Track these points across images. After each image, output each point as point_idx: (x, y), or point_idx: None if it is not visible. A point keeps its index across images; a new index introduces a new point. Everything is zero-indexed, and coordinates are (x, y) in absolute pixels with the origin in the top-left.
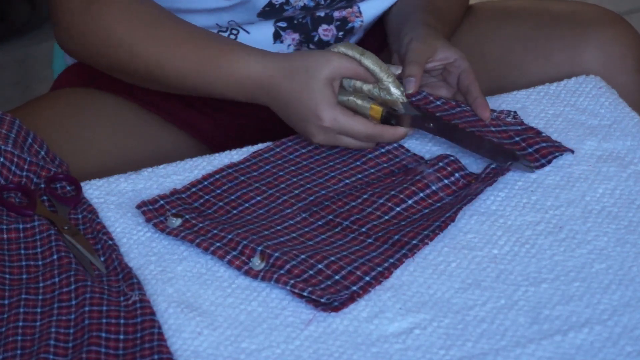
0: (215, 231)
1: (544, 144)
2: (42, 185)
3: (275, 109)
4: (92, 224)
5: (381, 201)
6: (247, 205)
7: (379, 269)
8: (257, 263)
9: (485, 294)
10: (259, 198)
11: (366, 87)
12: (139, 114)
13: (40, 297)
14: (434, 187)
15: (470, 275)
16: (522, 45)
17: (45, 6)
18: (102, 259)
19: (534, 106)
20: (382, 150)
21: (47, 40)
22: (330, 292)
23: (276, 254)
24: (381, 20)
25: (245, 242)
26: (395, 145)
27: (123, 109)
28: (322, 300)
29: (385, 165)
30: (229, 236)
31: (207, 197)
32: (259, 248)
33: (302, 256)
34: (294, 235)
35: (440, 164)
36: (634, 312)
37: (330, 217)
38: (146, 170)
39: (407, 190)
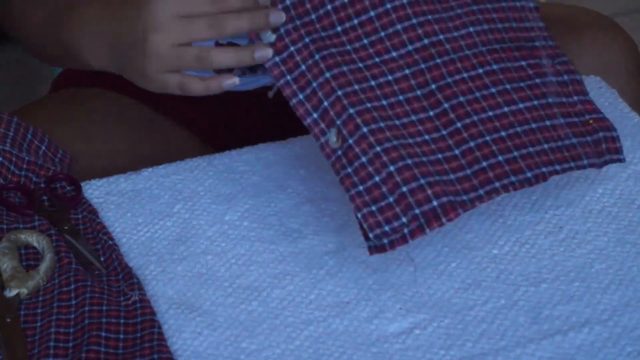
0: (304, 68)
1: (600, 134)
2: (42, 185)
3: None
4: (92, 224)
5: (493, 90)
6: (348, 47)
7: (449, 199)
8: (333, 140)
9: (485, 294)
10: (364, 41)
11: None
12: (142, 111)
13: (40, 299)
14: (550, 100)
15: (470, 275)
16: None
17: None
18: (102, 259)
19: None
20: (512, 4)
21: None
22: (386, 217)
23: (350, 141)
24: None
25: (326, 104)
26: (532, 4)
27: (126, 108)
28: (371, 235)
29: (514, 24)
30: (314, 84)
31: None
32: (338, 121)
33: (377, 148)
34: (384, 103)
35: (566, 78)
36: (634, 312)
37: (432, 86)
38: (146, 170)
39: (521, 92)
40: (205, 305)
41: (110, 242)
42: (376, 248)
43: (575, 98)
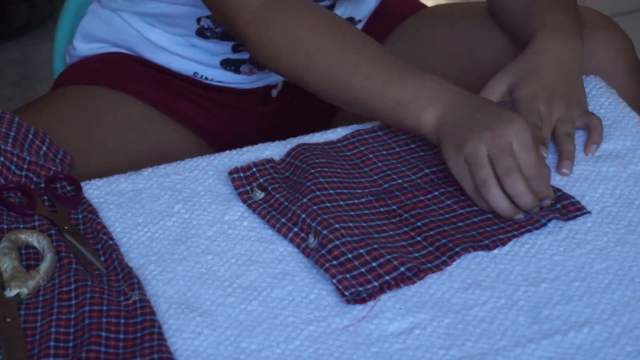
0: (286, 203)
1: (558, 205)
2: (42, 185)
3: (453, 111)
4: (92, 224)
5: (448, 202)
6: (321, 179)
7: (416, 265)
8: (311, 240)
9: (485, 294)
10: (335, 179)
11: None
12: (143, 110)
13: (40, 299)
14: None
15: (470, 275)
16: (514, 48)
17: (44, 6)
18: (102, 259)
19: None
20: None
21: (47, 40)
22: (359, 282)
23: (324, 232)
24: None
25: (303, 216)
26: None
27: (127, 107)
28: (346, 293)
29: None
30: (293, 208)
31: (296, 162)
32: (313, 224)
33: (348, 238)
34: (352, 213)
35: None
36: (634, 312)
37: (394, 207)
38: (146, 170)
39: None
40: (205, 305)
41: (110, 242)
42: (355, 300)
43: None
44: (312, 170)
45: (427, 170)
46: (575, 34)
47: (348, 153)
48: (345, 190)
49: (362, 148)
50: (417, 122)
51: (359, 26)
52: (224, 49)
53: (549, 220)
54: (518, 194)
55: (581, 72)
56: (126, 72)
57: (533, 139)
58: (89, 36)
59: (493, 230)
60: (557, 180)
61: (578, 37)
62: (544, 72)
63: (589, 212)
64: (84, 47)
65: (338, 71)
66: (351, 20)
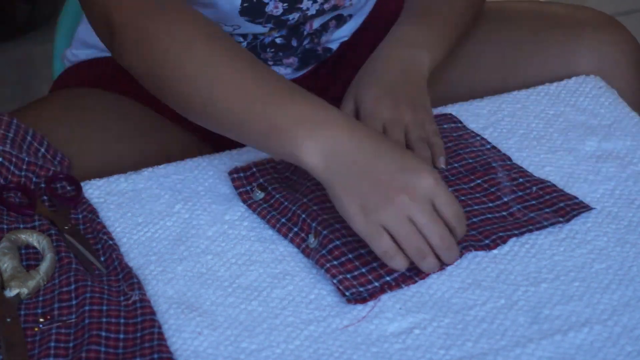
0: (286, 203)
1: (562, 204)
2: (43, 185)
3: (343, 149)
4: (92, 224)
5: None
6: None
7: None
8: (311, 240)
9: (485, 293)
10: None
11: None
12: (142, 112)
13: (40, 299)
14: (505, 199)
15: (470, 275)
16: (517, 50)
17: (45, 6)
18: (102, 259)
19: (534, 106)
20: (474, 149)
21: (47, 40)
22: (360, 282)
23: (325, 232)
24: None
25: (304, 216)
26: (488, 146)
27: (127, 108)
28: (347, 293)
29: (470, 161)
30: (293, 208)
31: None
32: (313, 224)
33: (349, 238)
34: None
35: (521, 180)
36: (634, 312)
37: None
38: (146, 170)
39: (477, 199)
40: (205, 305)
41: (110, 242)
42: (355, 300)
43: (534, 188)
44: None
45: None
46: (424, 46)
47: None
48: None
49: None
50: (295, 151)
51: (354, 21)
52: None
53: (552, 224)
54: (453, 259)
55: (425, 82)
56: (124, 74)
57: (445, 186)
58: (86, 44)
59: (493, 229)
60: (557, 180)
61: (427, 50)
62: (385, 78)
63: (593, 208)
64: (81, 53)
65: (210, 91)
66: (340, 17)
